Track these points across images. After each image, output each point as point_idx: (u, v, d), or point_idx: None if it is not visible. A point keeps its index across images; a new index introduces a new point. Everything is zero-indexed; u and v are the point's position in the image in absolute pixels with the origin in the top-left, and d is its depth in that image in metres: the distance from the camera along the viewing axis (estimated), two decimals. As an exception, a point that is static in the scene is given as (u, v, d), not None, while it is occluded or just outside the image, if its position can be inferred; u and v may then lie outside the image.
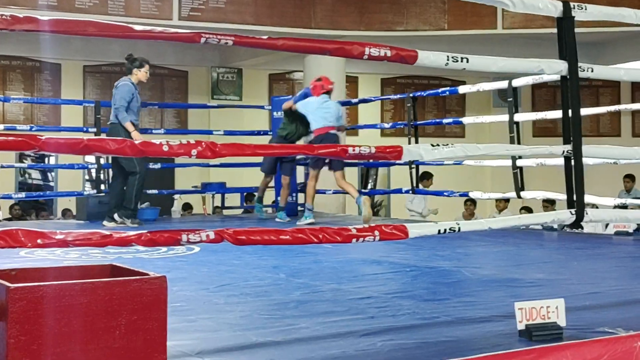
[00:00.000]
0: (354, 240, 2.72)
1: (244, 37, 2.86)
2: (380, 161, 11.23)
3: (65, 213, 12.21)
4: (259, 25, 11.43)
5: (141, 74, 7.43)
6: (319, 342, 2.53)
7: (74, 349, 1.95)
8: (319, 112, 7.47)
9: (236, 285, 3.77)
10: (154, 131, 10.16)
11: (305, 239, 2.71)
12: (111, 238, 2.47)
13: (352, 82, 14.80)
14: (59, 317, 1.93)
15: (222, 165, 9.71)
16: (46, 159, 13.28)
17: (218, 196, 10.52)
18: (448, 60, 3.10)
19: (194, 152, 2.70)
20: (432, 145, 3.14)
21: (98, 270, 2.34)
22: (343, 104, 11.38)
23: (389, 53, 3.01)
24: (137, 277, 2.10)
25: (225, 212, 10.22)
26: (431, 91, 8.83)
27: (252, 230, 2.67)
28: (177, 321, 2.69)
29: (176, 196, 9.46)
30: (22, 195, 10.37)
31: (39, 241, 2.33)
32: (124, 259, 4.47)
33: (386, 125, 10.52)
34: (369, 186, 15.68)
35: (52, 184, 13.84)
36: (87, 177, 13.35)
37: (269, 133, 9.28)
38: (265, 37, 2.88)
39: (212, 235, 2.60)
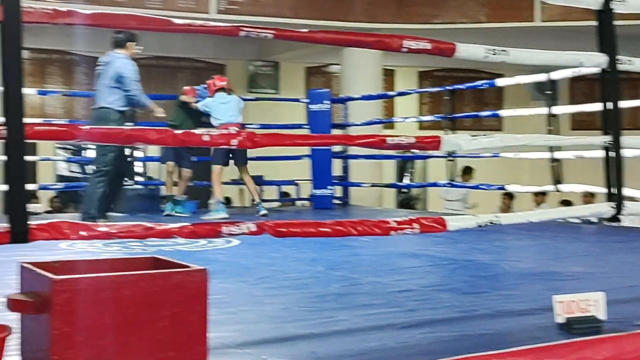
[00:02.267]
0: (392, 232, 2.71)
1: (284, 30, 2.87)
2: (417, 154, 11.21)
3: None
4: (297, 18, 11.42)
5: (135, 49, 6.86)
6: (358, 335, 2.54)
7: (117, 341, 1.97)
8: (221, 108, 7.61)
9: (275, 278, 3.79)
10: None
11: (344, 232, 2.71)
12: (153, 230, 2.49)
13: (389, 75, 14.73)
14: (102, 309, 1.95)
15: (258, 158, 9.74)
16: (84, 152, 13.42)
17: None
18: (487, 52, 3.08)
19: (234, 142, 2.72)
20: (472, 136, 3.13)
21: (140, 263, 2.36)
22: (380, 97, 11.39)
23: (427, 46, 2.99)
24: (179, 270, 2.12)
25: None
26: (469, 84, 8.76)
27: (292, 223, 2.67)
28: (217, 313, 2.70)
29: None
30: (61, 185, 10.51)
31: (82, 233, 2.35)
32: (163, 252, 4.51)
33: (423, 118, 10.47)
34: (406, 180, 15.61)
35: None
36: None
37: (306, 126, 9.28)
38: (305, 30, 2.88)
39: (252, 228, 2.61)
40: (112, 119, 6.31)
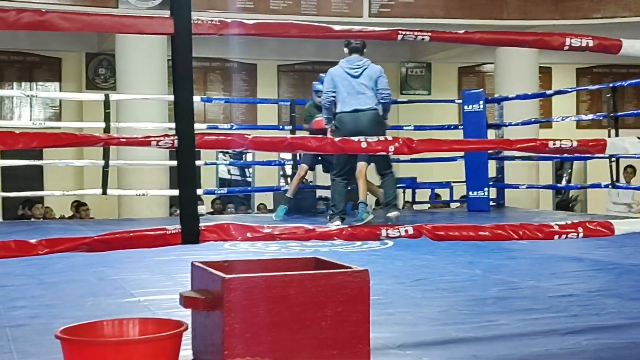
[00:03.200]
0: (556, 237, 2.66)
1: (440, 32, 2.86)
2: (576, 155, 10.82)
3: (260, 207, 12.75)
4: (449, 18, 11.32)
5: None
6: (520, 339, 2.49)
7: (284, 338, 2.04)
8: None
9: (432, 280, 3.79)
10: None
11: (505, 236, 2.68)
12: (314, 232, 2.56)
13: (545, 73, 14.32)
14: (270, 307, 2.03)
15: (412, 160, 9.73)
16: (243, 156, 13.90)
17: (408, 191, 10.55)
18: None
19: (391, 148, 2.74)
20: (638, 138, 3.00)
21: (303, 263, 2.44)
22: (536, 96, 11.07)
23: (590, 43, 2.90)
24: (342, 270, 2.17)
25: (415, 207, 10.24)
26: (632, 80, 8.37)
27: (450, 226, 2.67)
28: (376, 314, 2.73)
29: (367, 191, 9.56)
30: (224, 190, 10.96)
31: (248, 234, 2.46)
32: (320, 252, 4.60)
33: (584, 117, 10.10)
34: (564, 181, 15.12)
35: (249, 179, 14.48)
36: (281, 172, 13.84)
37: (459, 127, 9.19)
38: (461, 31, 2.86)
39: (410, 231, 2.63)
40: (381, 122, 6.47)
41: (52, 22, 2.25)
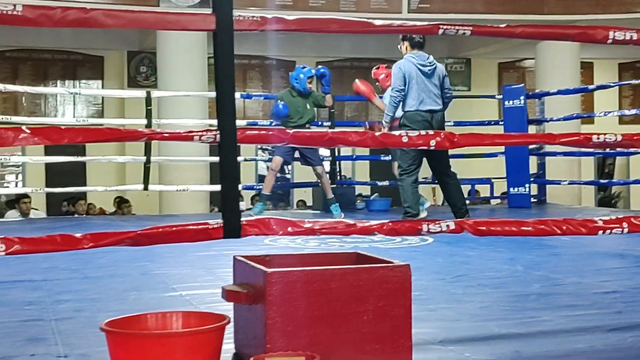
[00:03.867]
0: (600, 232, 2.62)
1: (482, 26, 2.85)
2: (617, 150, 10.67)
3: (299, 204, 12.79)
4: (489, 13, 11.23)
5: None
6: (564, 336, 2.47)
7: (325, 332, 2.05)
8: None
9: (472, 276, 3.76)
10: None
11: (548, 231, 2.65)
12: (355, 227, 2.56)
13: (587, 68, 14.15)
14: (312, 301, 2.04)
15: (452, 156, 9.66)
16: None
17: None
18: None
19: (432, 142, 2.73)
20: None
21: (344, 258, 2.44)
22: (578, 91, 10.94)
23: (635, 36, 2.85)
24: (383, 265, 2.17)
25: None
26: (677, 74, 8.22)
27: (492, 221, 2.65)
28: (417, 309, 2.71)
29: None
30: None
31: (289, 229, 2.47)
32: (360, 248, 4.59)
33: (627, 112, 9.96)
34: (606, 177, 14.92)
35: (288, 176, 14.52)
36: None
37: (500, 123, 9.11)
38: (502, 25, 2.84)
39: (452, 226, 2.61)
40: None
41: (96, 19, 2.28)
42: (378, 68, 7.60)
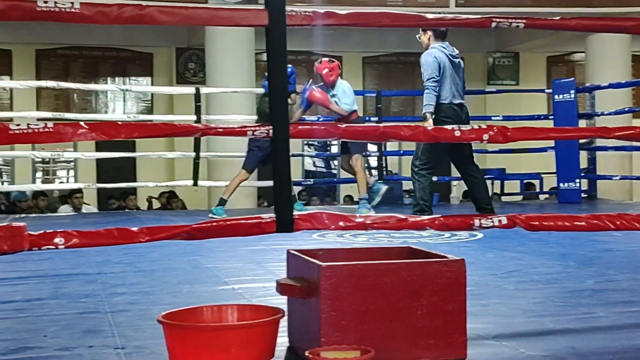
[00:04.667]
0: (656, 227, 2.58)
1: (535, 19, 2.82)
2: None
3: (346, 199, 12.79)
4: (538, 7, 11.09)
5: None
6: (620, 332, 2.44)
7: (379, 326, 2.05)
8: (351, 94, 6.99)
9: (524, 272, 3.73)
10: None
11: (601, 226, 2.62)
12: (406, 222, 2.56)
13: (638, 61, 13.88)
14: (365, 295, 2.04)
15: (500, 151, 9.60)
16: (328, 149, 13.95)
17: (496, 182, 10.40)
18: None
19: (485, 136, 2.71)
20: None
21: (396, 252, 2.44)
22: (629, 84, 10.76)
23: (692, 27, 2.80)
24: (437, 260, 2.16)
25: (503, 198, 10.09)
26: None
27: (545, 216, 2.63)
28: (469, 305, 2.69)
29: (454, 182, 9.49)
30: (311, 181, 11.06)
31: (341, 223, 2.48)
32: (409, 243, 4.58)
33: (679, 106, 9.75)
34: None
35: (334, 171, 14.55)
36: (365, 164, 13.85)
37: (549, 117, 9.00)
38: (557, 17, 2.81)
39: (504, 221, 2.60)
40: None
41: (152, 15, 2.32)
42: (320, 62, 7.24)
